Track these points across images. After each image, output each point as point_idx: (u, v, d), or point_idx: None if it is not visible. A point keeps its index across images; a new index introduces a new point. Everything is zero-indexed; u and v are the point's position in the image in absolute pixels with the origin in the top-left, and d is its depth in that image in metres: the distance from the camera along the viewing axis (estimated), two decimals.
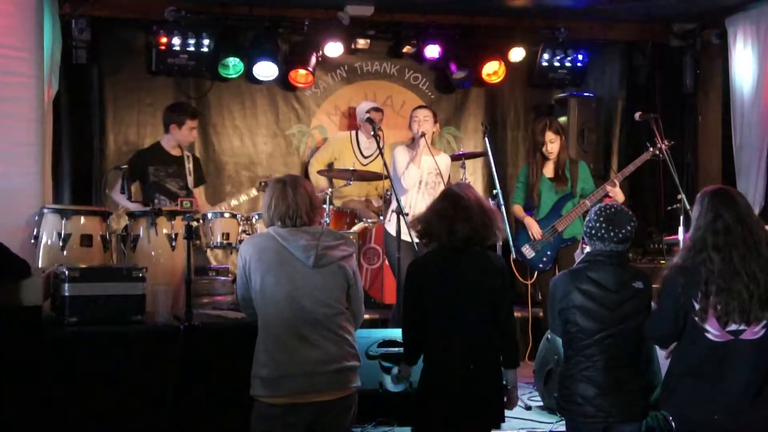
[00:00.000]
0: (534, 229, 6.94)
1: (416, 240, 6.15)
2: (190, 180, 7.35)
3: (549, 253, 6.94)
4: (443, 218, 4.26)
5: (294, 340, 4.04)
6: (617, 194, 6.77)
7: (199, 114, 7.64)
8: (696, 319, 3.84)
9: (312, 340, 4.04)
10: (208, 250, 7.78)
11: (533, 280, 7.29)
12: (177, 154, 7.38)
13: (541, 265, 6.99)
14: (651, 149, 6.78)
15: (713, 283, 3.80)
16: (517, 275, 7.42)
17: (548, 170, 7.02)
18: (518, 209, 7.12)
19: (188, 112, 7.45)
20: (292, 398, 4.03)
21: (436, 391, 4.24)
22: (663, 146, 6.74)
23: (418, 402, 4.32)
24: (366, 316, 7.15)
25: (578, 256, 4.52)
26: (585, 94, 9.21)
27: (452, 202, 4.30)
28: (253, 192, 7.46)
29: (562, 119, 8.84)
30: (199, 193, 7.55)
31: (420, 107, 7.10)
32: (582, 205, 6.82)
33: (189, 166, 7.41)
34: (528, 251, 7.00)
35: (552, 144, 6.93)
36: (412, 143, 6.91)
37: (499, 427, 4.37)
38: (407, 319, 4.37)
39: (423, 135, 6.75)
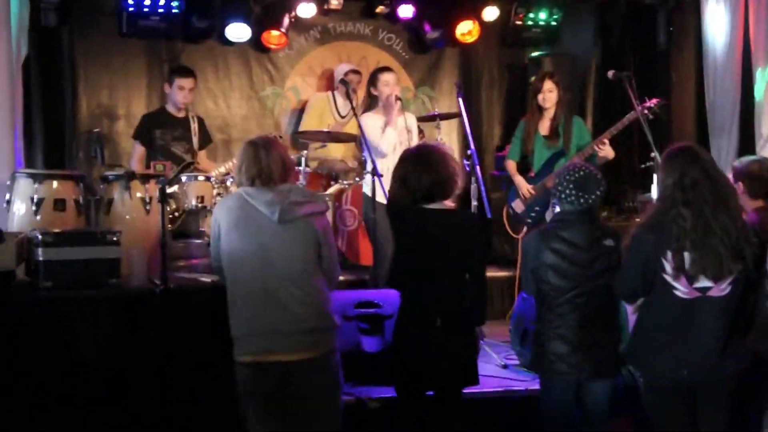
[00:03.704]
0: (523, 189, 6.99)
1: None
2: (195, 141, 7.42)
3: (538, 208, 6.96)
4: (402, 179, 4.35)
5: (261, 297, 4.04)
6: (608, 152, 6.79)
7: (189, 72, 7.56)
8: (666, 276, 3.89)
9: (278, 298, 4.03)
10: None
11: (523, 234, 7.32)
12: (181, 116, 7.42)
13: (529, 220, 7.03)
14: (640, 108, 6.75)
15: (687, 239, 3.84)
16: (509, 230, 7.46)
17: (543, 127, 7.04)
18: (511, 165, 7.17)
19: (177, 70, 7.51)
20: (257, 356, 4.04)
21: (406, 345, 4.32)
22: (653, 104, 6.75)
23: (392, 357, 4.42)
24: (342, 278, 7.19)
25: (549, 216, 4.58)
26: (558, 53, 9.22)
27: (410, 162, 4.39)
28: None
29: None
30: (204, 154, 7.62)
31: (384, 70, 7.03)
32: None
33: (194, 126, 7.45)
34: (518, 206, 7.06)
35: (550, 93, 6.95)
36: (376, 107, 6.86)
37: (473, 385, 4.44)
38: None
39: (398, 99, 6.73)
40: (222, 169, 7.01)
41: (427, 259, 4.29)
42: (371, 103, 6.94)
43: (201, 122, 7.67)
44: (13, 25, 6.27)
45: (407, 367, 4.32)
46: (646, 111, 6.74)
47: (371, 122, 6.78)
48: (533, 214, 7.01)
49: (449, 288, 4.30)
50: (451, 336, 4.27)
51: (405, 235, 4.36)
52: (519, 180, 7.07)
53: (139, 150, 7.37)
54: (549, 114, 7.02)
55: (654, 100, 6.78)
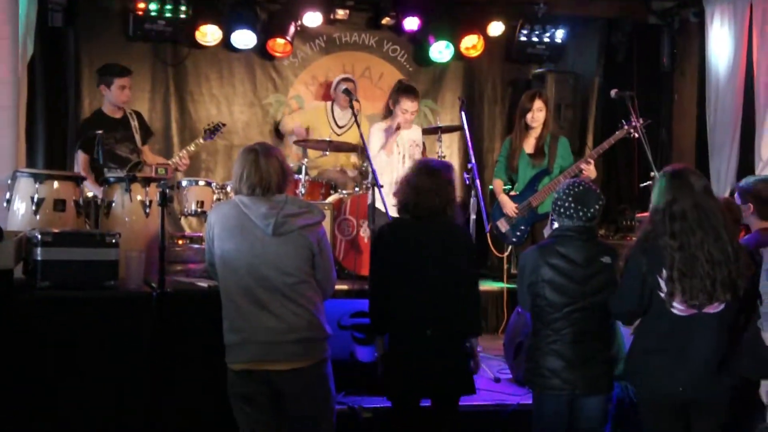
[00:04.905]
0: (508, 207, 6.98)
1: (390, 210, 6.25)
2: (137, 139, 7.23)
3: (523, 227, 6.98)
4: (413, 189, 4.40)
5: (253, 307, 4.04)
6: (591, 171, 6.79)
7: (128, 71, 7.33)
8: (662, 294, 3.90)
9: (271, 309, 4.03)
10: (183, 218, 7.78)
11: (507, 253, 7.34)
12: (119, 116, 7.22)
13: (514, 239, 7.04)
14: (626, 127, 6.80)
15: (676, 269, 3.85)
16: (493, 249, 7.47)
17: (528, 145, 7.04)
18: (497, 184, 7.16)
19: (115, 71, 7.22)
20: (249, 365, 4.05)
21: (397, 357, 4.35)
22: (638, 124, 6.77)
23: (384, 370, 4.43)
24: (339, 287, 7.23)
25: (547, 232, 4.59)
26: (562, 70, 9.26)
27: (424, 176, 4.43)
28: (200, 140, 7.37)
29: None
30: (148, 150, 7.46)
31: (410, 94, 7.00)
32: (557, 182, 6.84)
33: (134, 123, 7.26)
34: (503, 225, 7.04)
35: (538, 113, 6.95)
36: (388, 118, 6.88)
37: (470, 394, 4.47)
38: (374, 289, 4.46)
39: (399, 128, 6.74)
40: (170, 162, 6.92)
41: (419, 269, 4.32)
42: (386, 113, 6.97)
43: (140, 117, 7.46)
44: (21, 25, 6.28)
45: (400, 378, 4.35)
46: (631, 130, 6.76)
47: (376, 135, 6.82)
48: (518, 233, 7.01)
49: (442, 300, 4.33)
50: (442, 348, 4.31)
51: (398, 245, 4.38)
52: (503, 199, 7.06)
53: (82, 157, 6.97)
54: (535, 133, 7.03)
55: (640, 120, 6.80)
